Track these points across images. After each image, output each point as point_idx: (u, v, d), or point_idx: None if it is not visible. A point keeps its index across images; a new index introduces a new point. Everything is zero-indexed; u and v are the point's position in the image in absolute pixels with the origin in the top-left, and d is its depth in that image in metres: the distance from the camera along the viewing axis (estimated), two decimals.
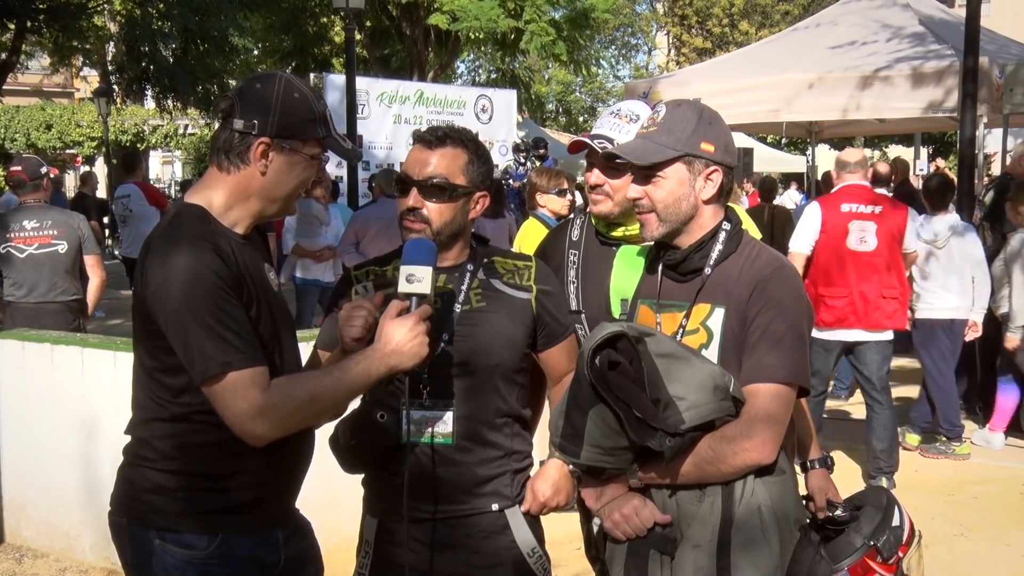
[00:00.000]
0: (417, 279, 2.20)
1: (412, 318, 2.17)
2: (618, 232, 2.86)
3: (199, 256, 2.06)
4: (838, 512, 2.40)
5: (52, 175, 6.46)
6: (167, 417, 2.17)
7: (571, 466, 2.43)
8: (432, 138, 2.44)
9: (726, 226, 2.33)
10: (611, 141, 2.73)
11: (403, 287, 2.21)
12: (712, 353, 2.25)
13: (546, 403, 2.77)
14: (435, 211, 2.40)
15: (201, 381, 2.06)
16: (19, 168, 6.34)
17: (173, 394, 2.14)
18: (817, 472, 2.54)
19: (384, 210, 8.42)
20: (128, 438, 2.29)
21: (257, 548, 2.23)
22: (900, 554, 2.32)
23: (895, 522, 2.36)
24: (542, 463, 2.56)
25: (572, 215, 3.24)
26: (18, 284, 6.12)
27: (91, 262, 6.29)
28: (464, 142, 2.45)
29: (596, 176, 2.81)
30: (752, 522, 2.16)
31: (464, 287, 2.45)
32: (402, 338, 2.15)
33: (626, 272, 2.77)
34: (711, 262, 2.30)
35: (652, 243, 2.45)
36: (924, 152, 24.77)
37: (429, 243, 2.30)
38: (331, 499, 3.46)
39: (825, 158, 17.41)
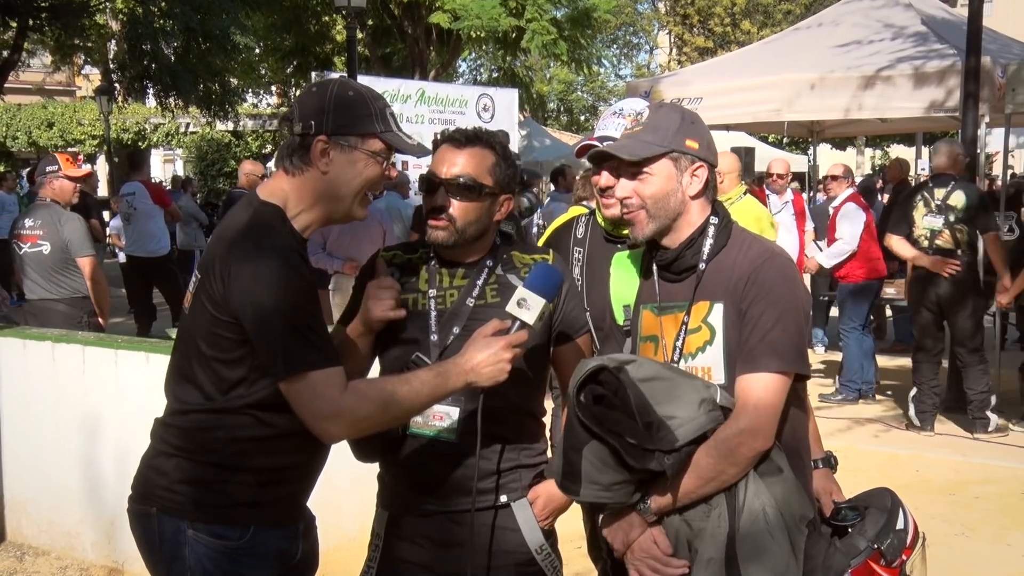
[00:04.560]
0: (528, 306, 2.20)
1: (503, 341, 2.19)
2: (626, 231, 2.85)
3: (287, 256, 2.13)
4: (843, 513, 2.39)
5: (69, 174, 6.39)
6: (213, 409, 2.20)
7: None
8: (461, 138, 2.46)
9: (714, 220, 2.35)
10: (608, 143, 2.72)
11: (512, 308, 2.21)
12: (716, 349, 2.26)
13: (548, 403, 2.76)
14: (460, 210, 2.41)
15: (283, 378, 2.10)
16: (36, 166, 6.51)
17: (226, 387, 2.18)
18: (820, 472, 2.53)
19: None
20: (138, 435, 2.30)
21: (283, 540, 2.29)
22: (904, 557, 2.30)
23: (899, 525, 2.34)
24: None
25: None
26: (25, 281, 6.27)
27: (81, 264, 6.23)
28: (492, 144, 2.47)
29: (606, 178, 2.79)
30: (758, 525, 2.16)
31: (480, 282, 2.46)
32: (485, 358, 2.18)
33: (623, 278, 2.76)
34: (704, 257, 2.31)
35: (644, 247, 2.46)
36: (926, 152, 24.71)
37: (559, 276, 2.30)
38: (332, 499, 3.45)
39: (826, 157, 17.39)
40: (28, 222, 6.23)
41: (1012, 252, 7.61)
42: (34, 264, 6.18)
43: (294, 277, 2.11)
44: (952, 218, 7.13)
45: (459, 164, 2.41)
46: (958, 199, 7.14)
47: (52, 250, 6.15)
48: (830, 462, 2.56)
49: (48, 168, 6.32)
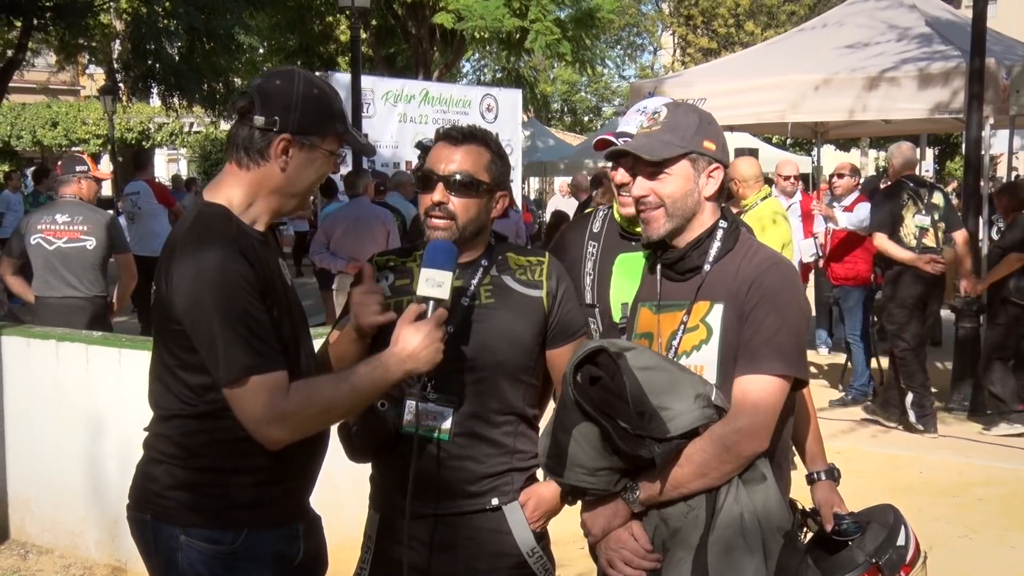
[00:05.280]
0: (436, 283, 2.21)
1: (429, 323, 2.19)
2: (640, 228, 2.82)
3: (226, 258, 2.07)
4: (844, 525, 2.37)
5: (96, 176, 6.49)
6: (193, 414, 2.17)
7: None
8: (458, 135, 2.46)
9: (723, 224, 2.35)
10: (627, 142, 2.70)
11: (422, 290, 2.22)
12: (712, 349, 2.26)
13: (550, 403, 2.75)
14: (461, 206, 2.41)
15: (224, 383, 2.07)
16: (60, 163, 6.54)
17: (198, 392, 2.15)
18: (823, 484, 2.51)
19: (350, 210, 8.51)
20: (141, 434, 2.29)
21: (280, 542, 2.26)
22: (902, 574, 2.29)
23: (900, 541, 2.33)
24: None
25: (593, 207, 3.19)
26: (45, 278, 6.15)
27: (121, 260, 6.37)
28: (487, 142, 2.49)
29: (621, 175, 2.76)
30: (732, 529, 2.14)
31: (475, 283, 2.45)
32: (418, 343, 2.17)
33: (624, 278, 2.76)
34: (710, 259, 2.31)
35: (650, 249, 2.45)
36: (930, 153, 24.73)
37: (451, 246, 2.30)
38: (334, 498, 3.46)
39: (830, 158, 17.39)
40: (62, 217, 6.16)
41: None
42: (69, 260, 6.12)
43: (233, 277, 2.06)
44: (936, 217, 7.33)
45: (456, 161, 2.42)
46: (939, 199, 7.42)
47: (97, 246, 6.16)
48: (833, 474, 2.53)
49: (79, 168, 6.36)
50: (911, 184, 7.40)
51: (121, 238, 6.43)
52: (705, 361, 2.26)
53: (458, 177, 2.40)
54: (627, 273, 2.77)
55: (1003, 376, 7.36)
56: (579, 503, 2.40)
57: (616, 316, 2.77)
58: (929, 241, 7.30)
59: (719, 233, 2.33)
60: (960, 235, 7.42)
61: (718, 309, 2.27)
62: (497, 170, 2.47)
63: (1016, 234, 7.42)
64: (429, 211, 2.43)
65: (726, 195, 2.40)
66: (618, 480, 2.20)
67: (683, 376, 2.17)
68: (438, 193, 2.41)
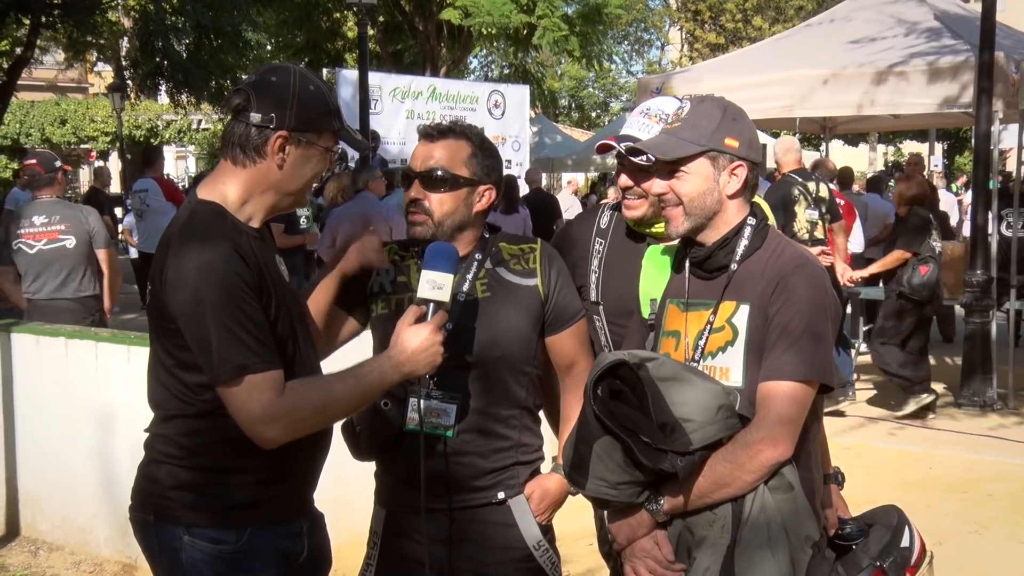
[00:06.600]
0: (437, 285, 2.21)
1: (429, 326, 2.19)
2: (649, 228, 2.78)
3: (219, 255, 2.06)
4: (847, 529, 2.36)
5: (66, 170, 6.47)
6: (192, 414, 2.16)
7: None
8: (434, 131, 2.47)
9: (751, 221, 2.32)
10: (637, 141, 2.68)
11: (423, 292, 2.21)
12: (737, 351, 2.23)
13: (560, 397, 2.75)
14: (436, 202, 2.42)
15: (218, 382, 2.06)
16: (34, 161, 6.34)
17: (196, 391, 2.14)
18: (826, 488, 2.47)
19: (355, 207, 8.54)
20: (146, 434, 2.29)
21: (283, 540, 2.25)
22: (907, 575, 2.28)
23: (904, 542, 2.31)
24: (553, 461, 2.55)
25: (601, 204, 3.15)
26: (31, 280, 6.12)
27: (102, 256, 6.28)
28: (468, 135, 2.48)
29: (624, 179, 2.74)
30: (760, 540, 2.12)
31: (470, 277, 2.45)
32: (418, 346, 2.17)
33: (654, 273, 2.73)
34: (737, 258, 2.29)
35: (678, 242, 2.43)
36: (939, 148, 24.63)
37: (452, 249, 2.30)
38: (343, 495, 3.46)
39: (839, 154, 17.32)
40: (39, 219, 6.10)
41: None
42: (52, 262, 6.08)
43: (227, 275, 2.04)
44: (824, 209, 7.46)
45: (433, 157, 2.43)
46: (824, 191, 7.54)
47: (77, 244, 6.12)
48: (837, 479, 2.51)
49: (56, 164, 6.28)
50: (799, 179, 7.49)
51: (101, 233, 6.27)
52: (730, 363, 2.23)
53: (434, 173, 2.41)
54: (657, 265, 2.74)
55: (898, 356, 7.51)
56: (583, 494, 2.39)
57: (645, 312, 2.75)
58: (819, 234, 7.39)
59: (747, 231, 2.30)
60: (839, 226, 7.65)
61: (744, 310, 2.24)
62: (479, 163, 2.45)
63: (905, 229, 7.59)
64: (408, 208, 2.44)
65: (753, 190, 2.37)
66: (640, 492, 2.18)
67: (706, 386, 2.13)
68: (414, 190, 2.43)
